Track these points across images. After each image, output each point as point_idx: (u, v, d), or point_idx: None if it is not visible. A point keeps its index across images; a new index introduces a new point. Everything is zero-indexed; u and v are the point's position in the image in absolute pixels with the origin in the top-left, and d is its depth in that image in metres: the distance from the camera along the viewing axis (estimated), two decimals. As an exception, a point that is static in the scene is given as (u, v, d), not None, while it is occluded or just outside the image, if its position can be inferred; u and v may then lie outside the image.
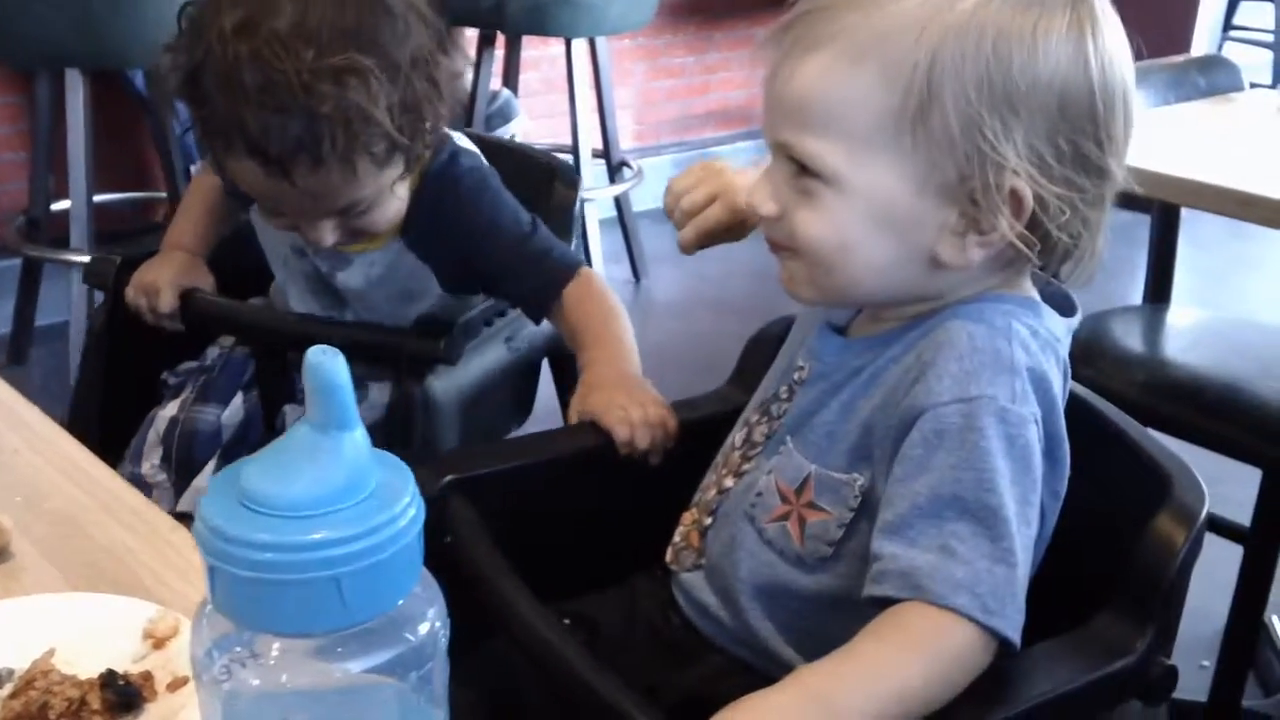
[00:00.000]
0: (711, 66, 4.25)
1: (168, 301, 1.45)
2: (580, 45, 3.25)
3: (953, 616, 0.78)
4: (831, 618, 0.89)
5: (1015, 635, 0.80)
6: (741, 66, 4.32)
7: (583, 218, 3.16)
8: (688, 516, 1.05)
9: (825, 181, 0.88)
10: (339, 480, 0.53)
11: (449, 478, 1.01)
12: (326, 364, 0.53)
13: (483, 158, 1.48)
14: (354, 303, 1.47)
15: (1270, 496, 1.67)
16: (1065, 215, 0.86)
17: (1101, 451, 0.94)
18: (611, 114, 3.44)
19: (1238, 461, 1.64)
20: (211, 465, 1.47)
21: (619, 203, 3.51)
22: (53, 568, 0.85)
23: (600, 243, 3.46)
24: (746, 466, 1.00)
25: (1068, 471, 0.90)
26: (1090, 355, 1.77)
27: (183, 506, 1.45)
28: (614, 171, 3.50)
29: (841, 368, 0.95)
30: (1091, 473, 0.92)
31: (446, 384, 1.43)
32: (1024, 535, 0.83)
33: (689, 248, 1.14)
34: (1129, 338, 1.87)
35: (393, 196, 1.36)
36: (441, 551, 0.95)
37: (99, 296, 1.61)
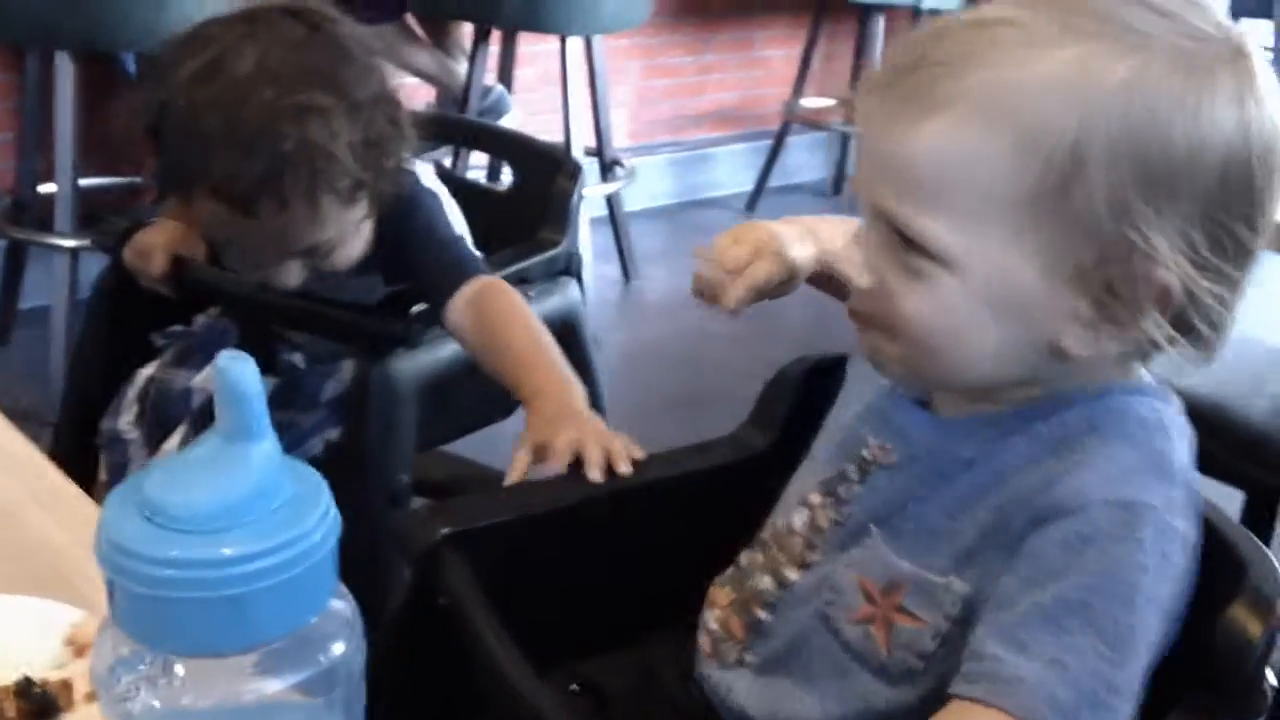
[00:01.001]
0: (708, 67, 4.23)
1: (158, 265, 1.48)
2: (576, 42, 3.23)
3: None
4: None
5: None
6: (738, 68, 4.29)
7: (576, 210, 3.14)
8: (720, 596, 0.95)
9: (938, 261, 0.76)
10: (245, 493, 0.51)
11: (444, 530, 0.94)
12: (235, 370, 0.51)
13: (427, 180, 1.50)
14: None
15: (1252, 518, 1.64)
16: (1211, 305, 0.75)
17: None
18: (605, 112, 3.41)
19: (1220, 483, 1.61)
20: (182, 430, 1.49)
21: (610, 201, 3.48)
22: (-17, 565, 0.82)
23: (591, 241, 3.43)
24: (814, 557, 0.89)
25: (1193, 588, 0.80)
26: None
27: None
28: (606, 170, 3.47)
29: (941, 455, 0.83)
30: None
31: (407, 365, 1.44)
32: (1144, 663, 0.73)
33: (740, 306, 1.02)
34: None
35: (357, 235, 1.37)
36: (437, 614, 0.92)
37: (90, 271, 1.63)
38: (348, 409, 1.49)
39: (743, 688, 0.90)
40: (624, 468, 1.02)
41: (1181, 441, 0.79)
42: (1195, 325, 0.76)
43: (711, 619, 0.94)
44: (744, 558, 0.95)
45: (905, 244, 0.77)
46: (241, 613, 0.50)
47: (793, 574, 0.89)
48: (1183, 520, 0.75)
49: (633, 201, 3.62)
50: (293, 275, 1.36)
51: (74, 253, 2.62)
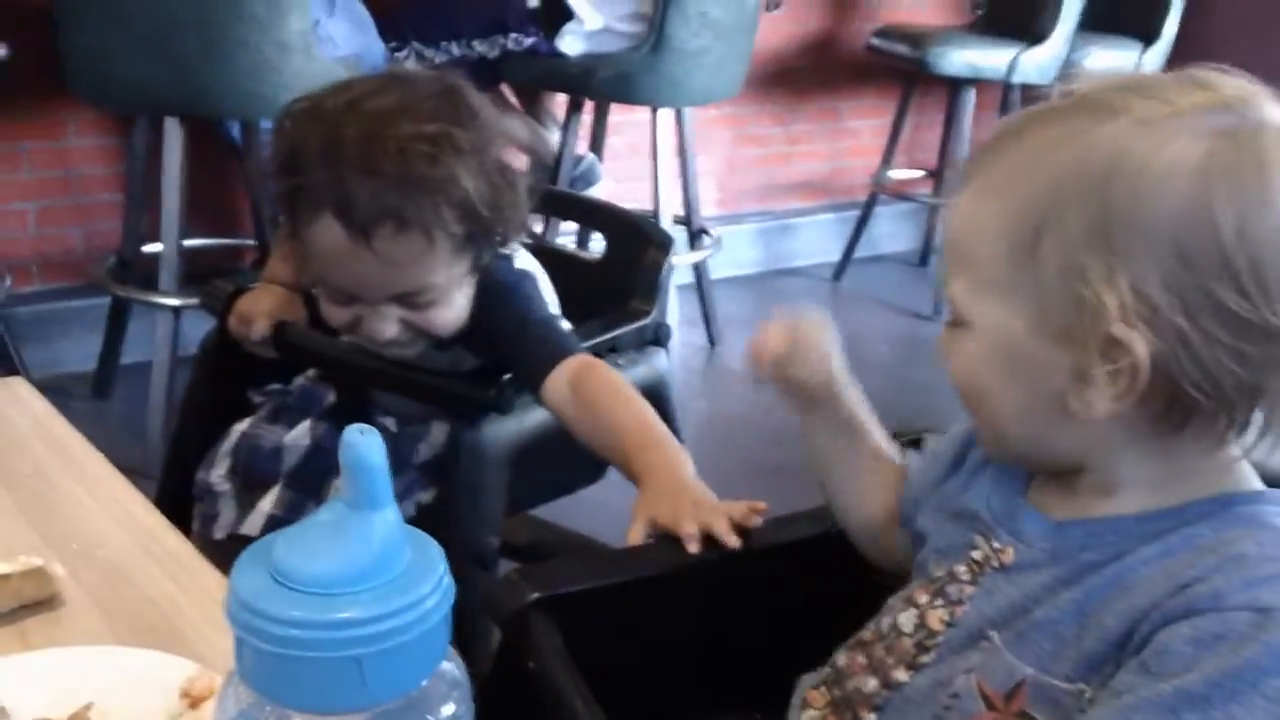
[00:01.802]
0: (796, 137, 4.27)
1: (260, 330, 1.54)
2: (666, 112, 3.28)
3: None
4: None
5: None
6: (825, 139, 4.33)
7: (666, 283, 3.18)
8: (817, 698, 0.94)
9: (960, 322, 0.84)
10: (366, 560, 0.53)
11: (534, 595, 0.96)
12: (361, 444, 0.53)
13: (520, 261, 1.52)
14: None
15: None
16: (1187, 367, 0.75)
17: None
18: (694, 181, 3.46)
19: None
20: (277, 490, 1.53)
21: (697, 269, 3.52)
22: (100, 617, 0.86)
23: (677, 307, 3.47)
24: (926, 659, 0.88)
25: None
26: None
27: (245, 529, 1.53)
28: (694, 238, 3.51)
29: (1064, 558, 0.83)
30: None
31: (498, 431, 1.46)
32: None
33: (764, 379, 1.06)
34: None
35: (458, 295, 1.41)
36: (526, 676, 0.94)
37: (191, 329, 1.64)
38: (439, 472, 1.51)
39: None
40: (732, 540, 1.04)
41: None
42: (1192, 397, 0.76)
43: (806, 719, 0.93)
44: (841, 658, 0.94)
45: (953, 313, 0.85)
46: (359, 673, 0.52)
47: (902, 675, 0.88)
48: None
49: (719, 269, 3.65)
50: (388, 324, 1.38)
51: (176, 311, 2.69)
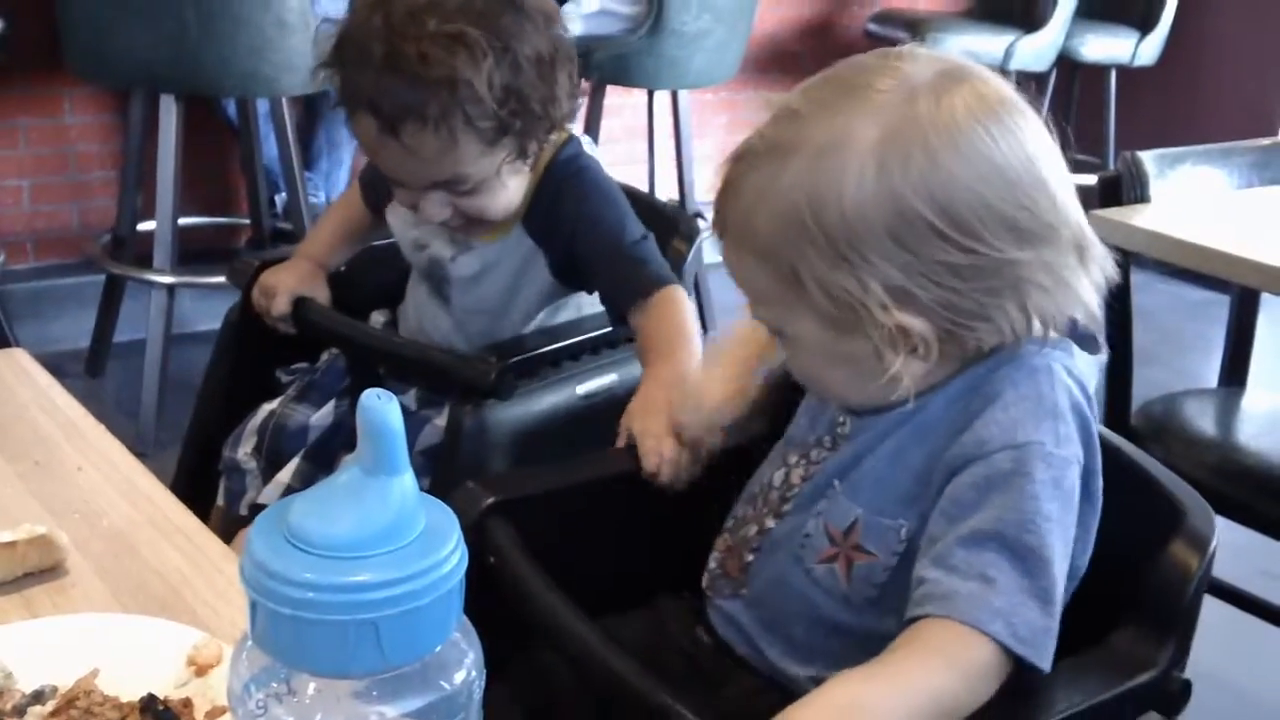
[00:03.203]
0: (793, 122, 4.26)
1: (281, 305, 1.57)
2: (663, 95, 3.27)
3: (983, 639, 0.82)
4: (875, 654, 0.91)
5: (1046, 665, 0.84)
6: (823, 124, 4.31)
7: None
8: (720, 543, 1.09)
9: (778, 334, 0.97)
10: (383, 524, 0.53)
11: (490, 499, 1.06)
12: (378, 408, 0.53)
13: (603, 168, 1.55)
14: (462, 297, 1.55)
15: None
16: (952, 315, 0.89)
17: (1115, 481, 0.96)
18: (689, 165, 3.45)
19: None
20: (295, 462, 1.57)
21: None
22: (104, 586, 0.86)
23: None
24: (787, 508, 1.04)
25: (1100, 504, 0.94)
26: (1160, 434, 1.75)
27: (263, 499, 1.57)
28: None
29: (884, 418, 0.98)
30: (1106, 502, 0.95)
31: (500, 416, 1.46)
32: (1062, 571, 0.87)
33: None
34: (1201, 419, 1.84)
35: (502, 185, 1.44)
36: (485, 572, 0.99)
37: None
38: (438, 459, 1.51)
39: (739, 615, 1.05)
40: (677, 487, 1.17)
41: (1069, 382, 0.92)
42: (968, 328, 0.90)
43: (713, 561, 1.09)
44: (738, 509, 1.10)
45: None
46: (374, 637, 0.52)
47: (770, 522, 1.04)
48: (1072, 449, 0.90)
49: (712, 254, 3.65)
50: (437, 208, 1.43)
51: (170, 289, 2.69)
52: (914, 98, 0.88)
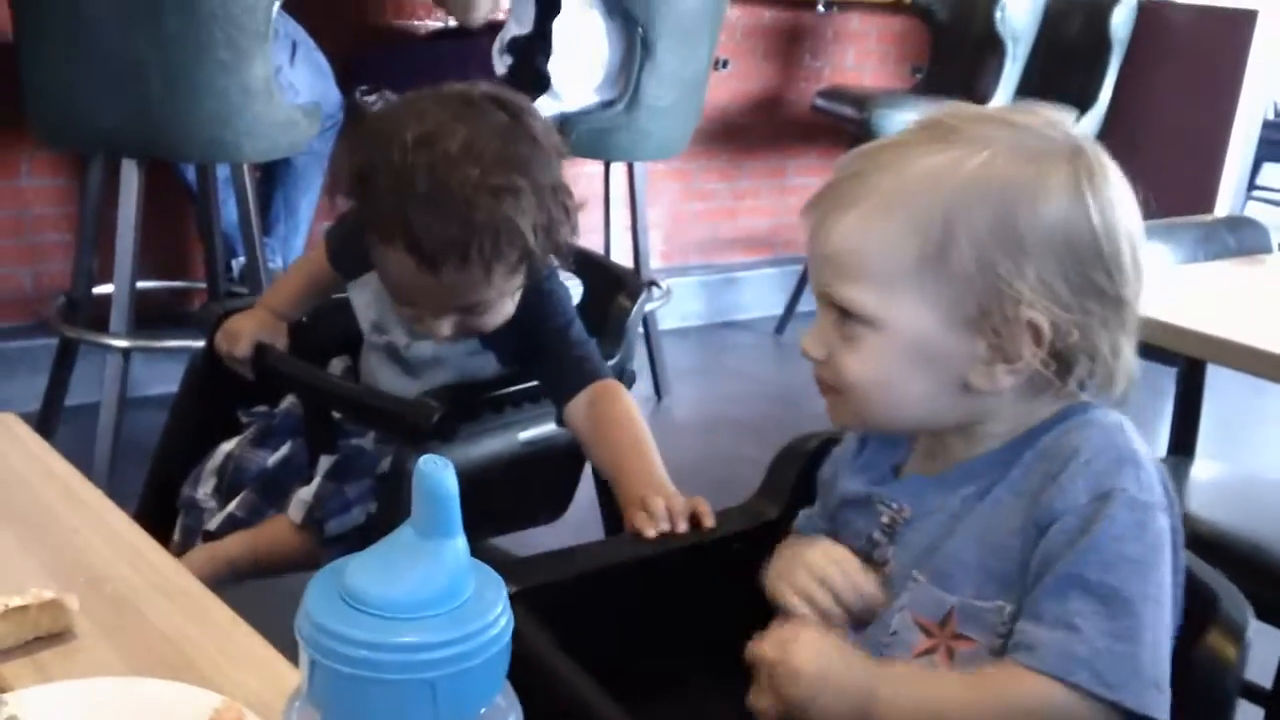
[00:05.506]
0: (741, 193, 4.33)
1: (242, 349, 1.65)
2: (619, 165, 3.32)
3: (1065, 689, 0.86)
4: None
5: (1141, 706, 0.86)
6: (770, 195, 4.40)
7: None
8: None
9: (865, 323, 0.97)
10: (439, 586, 0.55)
11: (512, 590, 1.01)
12: (435, 474, 0.56)
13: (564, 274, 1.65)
14: (424, 371, 1.62)
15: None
16: (1075, 336, 0.93)
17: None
18: (644, 233, 3.50)
19: (1261, 622, 1.64)
20: (244, 494, 1.64)
21: (646, 321, 3.55)
22: (113, 649, 0.86)
23: (626, 358, 3.49)
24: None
25: (1183, 565, 0.95)
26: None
27: (209, 526, 1.64)
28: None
29: (951, 499, 0.99)
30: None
31: (446, 459, 1.49)
32: (1154, 614, 0.88)
33: None
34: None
35: (508, 302, 1.52)
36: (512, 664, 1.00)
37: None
38: (385, 488, 1.59)
39: None
40: (681, 525, 1.24)
41: (1135, 432, 0.96)
42: (1071, 355, 0.94)
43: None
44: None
45: (843, 315, 0.98)
46: (431, 696, 0.54)
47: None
48: (1155, 496, 0.92)
49: (667, 321, 3.69)
50: (445, 328, 1.50)
51: (126, 353, 2.67)
52: (1079, 141, 0.97)
